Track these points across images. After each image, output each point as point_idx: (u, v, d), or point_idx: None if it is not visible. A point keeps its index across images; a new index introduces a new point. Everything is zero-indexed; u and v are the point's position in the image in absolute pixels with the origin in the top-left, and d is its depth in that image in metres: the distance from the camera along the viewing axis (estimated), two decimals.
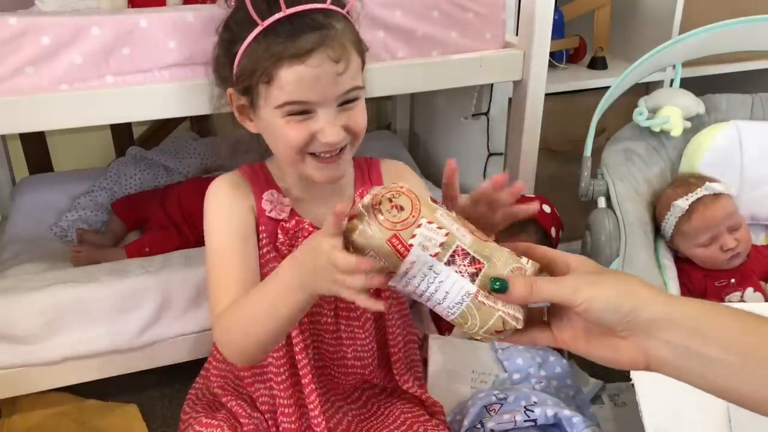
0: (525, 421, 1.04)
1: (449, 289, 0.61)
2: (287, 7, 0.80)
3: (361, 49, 0.87)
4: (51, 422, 1.32)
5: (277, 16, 0.80)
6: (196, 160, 1.78)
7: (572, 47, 1.80)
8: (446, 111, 1.80)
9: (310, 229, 0.92)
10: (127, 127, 2.09)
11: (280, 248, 0.92)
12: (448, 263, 0.61)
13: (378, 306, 0.66)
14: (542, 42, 1.35)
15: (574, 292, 0.57)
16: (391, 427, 0.99)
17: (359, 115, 0.87)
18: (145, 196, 1.62)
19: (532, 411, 1.04)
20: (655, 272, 1.22)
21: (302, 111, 0.83)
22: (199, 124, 2.19)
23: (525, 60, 1.36)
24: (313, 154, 0.86)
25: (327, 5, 0.83)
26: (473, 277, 0.61)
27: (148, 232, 1.54)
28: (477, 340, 0.63)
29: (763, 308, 1.20)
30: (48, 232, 1.55)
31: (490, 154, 1.69)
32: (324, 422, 0.93)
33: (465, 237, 0.63)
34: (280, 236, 0.92)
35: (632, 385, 0.95)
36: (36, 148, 1.92)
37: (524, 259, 0.65)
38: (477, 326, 0.62)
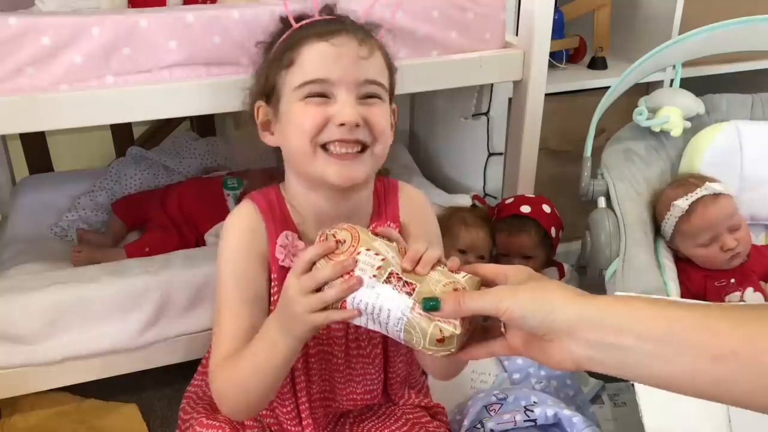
0: (525, 420, 1.04)
1: (390, 307, 0.67)
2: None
3: (390, 62, 0.87)
4: (51, 422, 1.32)
5: (310, 20, 0.84)
6: (196, 160, 1.78)
7: (572, 47, 1.80)
8: (446, 111, 1.80)
9: None
10: (127, 127, 2.09)
11: None
12: (386, 283, 0.68)
13: (348, 314, 0.69)
14: (542, 42, 1.35)
15: (497, 302, 0.61)
16: (393, 428, 0.98)
17: (379, 113, 0.83)
18: (145, 196, 1.62)
19: (532, 411, 1.04)
20: (655, 272, 1.22)
21: (321, 93, 0.81)
22: (199, 124, 2.19)
23: (525, 60, 1.36)
24: (325, 149, 0.82)
25: (360, 22, 0.87)
26: (409, 295, 0.67)
27: (148, 232, 1.54)
28: (430, 355, 0.66)
29: None
30: (48, 232, 1.55)
31: (490, 154, 1.69)
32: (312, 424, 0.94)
33: (399, 263, 0.70)
34: None
35: (632, 385, 0.95)
36: (36, 148, 1.92)
37: (460, 275, 0.69)
38: (421, 339, 0.66)
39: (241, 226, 0.89)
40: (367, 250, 0.70)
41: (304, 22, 0.86)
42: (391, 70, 0.88)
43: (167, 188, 1.63)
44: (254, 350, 0.80)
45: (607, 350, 0.57)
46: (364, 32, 0.85)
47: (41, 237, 1.53)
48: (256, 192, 0.92)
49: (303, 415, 0.94)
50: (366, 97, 0.83)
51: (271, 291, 0.88)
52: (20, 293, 1.20)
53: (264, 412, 0.98)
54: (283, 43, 0.86)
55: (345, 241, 0.70)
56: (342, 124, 0.79)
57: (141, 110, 1.10)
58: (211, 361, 0.86)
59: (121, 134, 2.09)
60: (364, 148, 0.83)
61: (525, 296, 0.61)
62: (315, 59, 0.80)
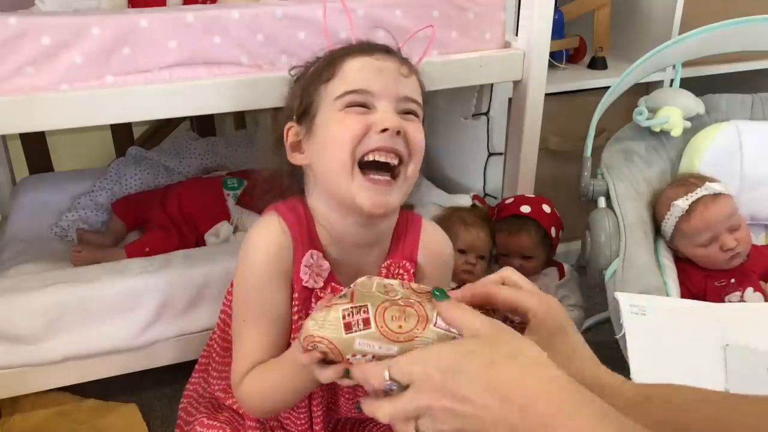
0: None
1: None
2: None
3: (424, 90, 0.88)
4: (51, 422, 1.32)
5: (347, 43, 0.88)
6: (196, 160, 1.78)
7: (572, 47, 1.80)
8: (446, 111, 1.80)
9: None
10: (127, 127, 2.09)
11: None
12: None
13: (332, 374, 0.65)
14: (542, 42, 1.35)
15: None
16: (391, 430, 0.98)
17: (416, 129, 0.83)
18: (145, 196, 1.62)
19: None
20: (655, 272, 1.22)
21: (362, 104, 0.80)
22: (199, 124, 2.19)
23: (525, 60, 1.36)
24: (363, 172, 0.80)
25: (398, 51, 0.88)
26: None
27: (148, 232, 1.54)
28: None
29: (763, 308, 1.20)
30: (48, 232, 1.55)
31: (490, 154, 1.69)
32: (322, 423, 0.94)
33: (379, 346, 0.63)
34: (313, 304, 0.88)
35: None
36: (36, 148, 1.92)
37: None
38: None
39: (268, 242, 0.86)
40: (353, 356, 0.63)
41: (343, 45, 0.89)
42: (425, 97, 0.87)
43: (167, 188, 1.63)
44: (281, 366, 0.82)
45: None
46: (403, 57, 0.88)
47: (41, 237, 1.53)
48: (282, 204, 0.89)
49: (315, 413, 0.94)
50: (404, 113, 0.83)
51: (293, 310, 0.87)
52: (20, 293, 1.20)
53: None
54: (322, 61, 0.87)
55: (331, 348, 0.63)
56: (384, 130, 0.78)
57: (141, 110, 1.10)
58: (234, 372, 0.87)
59: (121, 134, 2.08)
60: (398, 166, 0.81)
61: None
62: (357, 71, 0.81)
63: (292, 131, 0.87)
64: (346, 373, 0.63)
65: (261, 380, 0.84)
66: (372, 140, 0.79)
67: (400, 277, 0.90)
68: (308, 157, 0.86)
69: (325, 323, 0.63)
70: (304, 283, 0.86)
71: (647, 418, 0.55)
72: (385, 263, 0.91)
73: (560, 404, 0.50)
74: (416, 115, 0.84)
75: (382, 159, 0.79)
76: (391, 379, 0.57)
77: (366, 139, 0.79)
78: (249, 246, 0.87)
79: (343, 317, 0.63)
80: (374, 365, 0.60)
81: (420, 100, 0.85)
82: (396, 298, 0.64)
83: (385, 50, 0.86)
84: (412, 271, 0.91)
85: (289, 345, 0.87)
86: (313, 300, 0.88)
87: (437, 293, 0.62)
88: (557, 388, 0.51)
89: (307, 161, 0.86)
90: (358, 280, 0.67)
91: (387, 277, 0.85)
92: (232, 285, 0.96)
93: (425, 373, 0.55)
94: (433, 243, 0.94)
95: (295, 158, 0.88)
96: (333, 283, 0.88)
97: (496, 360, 0.53)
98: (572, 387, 0.51)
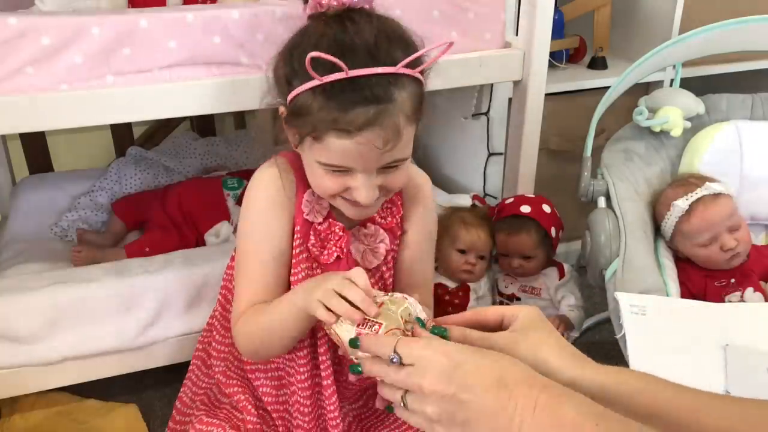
0: None
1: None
2: (352, 67, 0.75)
3: (419, 116, 0.84)
4: (51, 422, 1.32)
5: (337, 76, 0.76)
6: (196, 160, 1.78)
7: (572, 47, 1.80)
8: (446, 111, 1.80)
9: (341, 233, 0.92)
10: (127, 127, 2.09)
11: (311, 249, 0.92)
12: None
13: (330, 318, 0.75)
14: (542, 42, 1.35)
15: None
16: (392, 427, 0.99)
17: (398, 179, 0.86)
18: (145, 196, 1.62)
19: None
20: (655, 272, 1.22)
21: (342, 170, 0.83)
22: (199, 124, 2.19)
23: (525, 60, 1.36)
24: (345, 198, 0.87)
25: (396, 69, 0.78)
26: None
27: (148, 232, 1.54)
28: None
29: (763, 308, 1.20)
30: (48, 232, 1.55)
31: (490, 154, 1.69)
32: (341, 424, 0.94)
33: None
34: (312, 238, 0.92)
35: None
36: (36, 148, 1.92)
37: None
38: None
39: (271, 181, 0.92)
40: (356, 357, 0.72)
41: (328, 79, 0.77)
42: (419, 121, 0.86)
43: (167, 188, 1.63)
44: (279, 308, 0.85)
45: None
46: (393, 115, 0.78)
47: (41, 237, 1.53)
48: (287, 152, 0.94)
49: (327, 393, 0.95)
50: (387, 168, 0.83)
51: (294, 243, 0.92)
52: (20, 293, 1.20)
53: (268, 398, 0.98)
54: (310, 98, 0.79)
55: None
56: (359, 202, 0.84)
57: (141, 110, 1.10)
58: (234, 312, 0.92)
59: (121, 134, 2.08)
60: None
61: (526, 353, 0.67)
62: (338, 152, 0.80)
63: (284, 114, 0.87)
64: (354, 343, 0.70)
65: (256, 320, 0.88)
66: (352, 195, 0.84)
67: (389, 210, 0.97)
68: (299, 151, 0.89)
69: (343, 323, 0.74)
70: (305, 216, 0.91)
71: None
72: (386, 205, 0.97)
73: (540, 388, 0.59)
74: (400, 165, 0.85)
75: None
76: (395, 352, 0.65)
77: (345, 193, 0.85)
78: (253, 183, 0.93)
79: (358, 324, 0.73)
80: (385, 338, 0.69)
81: (407, 150, 0.84)
82: (408, 329, 0.72)
83: (373, 121, 0.77)
84: (399, 203, 0.98)
85: (289, 287, 0.91)
86: (311, 234, 0.92)
87: (435, 330, 0.71)
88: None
89: (298, 152, 0.89)
90: (396, 295, 0.76)
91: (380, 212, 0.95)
92: (232, 259, 1.01)
93: (435, 359, 0.62)
94: (416, 189, 0.99)
95: (288, 135, 0.89)
96: (331, 219, 0.93)
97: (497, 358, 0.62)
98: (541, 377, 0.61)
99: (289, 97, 0.82)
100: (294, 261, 0.92)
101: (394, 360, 0.64)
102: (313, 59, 0.74)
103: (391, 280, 0.99)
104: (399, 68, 0.78)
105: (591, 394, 0.62)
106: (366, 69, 0.76)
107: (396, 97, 0.78)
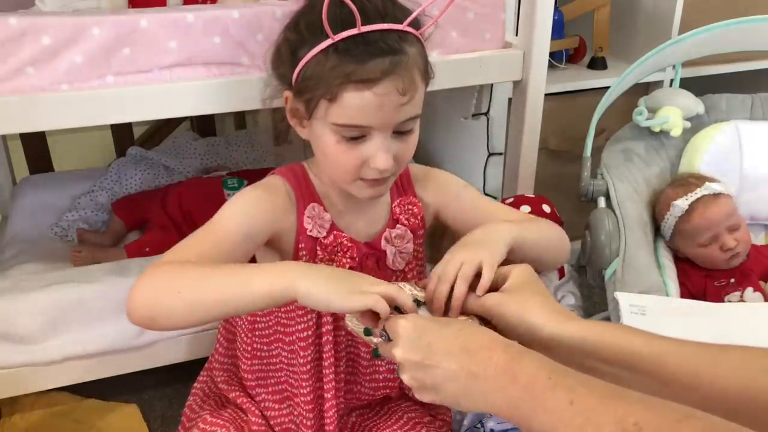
0: None
1: None
2: (362, 24, 0.76)
3: (428, 76, 0.86)
4: (51, 422, 1.32)
5: (350, 32, 0.77)
6: (196, 160, 1.78)
7: (572, 47, 1.80)
8: (446, 111, 1.80)
9: (349, 244, 0.92)
10: (127, 127, 2.09)
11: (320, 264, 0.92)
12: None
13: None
14: (542, 42, 1.35)
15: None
16: (394, 427, 0.98)
17: (410, 146, 0.86)
18: (145, 196, 1.62)
19: None
20: (654, 272, 1.22)
21: (358, 135, 0.81)
22: (199, 124, 2.19)
23: (525, 60, 1.36)
24: (361, 178, 0.85)
25: (403, 27, 0.80)
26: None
27: (148, 232, 1.54)
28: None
29: (763, 308, 1.20)
30: (48, 232, 1.55)
31: (490, 154, 1.69)
32: None
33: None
34: (319, 252, 0.91)
35: None
36: (36, 148, 1.92)
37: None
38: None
39: (267, 188, 0.91)
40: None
41: (342, 36, 0.77)
42: (428, 81, 0.87)
43: (167, 188, 1.63)
44: (247, 267, 0.77)
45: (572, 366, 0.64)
46: (408, 66, 0.80)
47: (41, 237, 1.53)
48: (282, 168, 0.94)
49: (327, 405, 0.95)
50: (401, 132, 0.83)
51: (302, 259, 0.91)
52: (20, 293, 1.20)
53: (267, 404, 0.98)
54: (322, 59, 0.79)
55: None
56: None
57: (141, 110, 1.10)
58: (170, 252, 0.80)
59: (121, 134, 2.08)
60: None
61: (513, 312, 0.73)
62: (356, 107, 0.79)
63: (290, 100, 0.87)
64: (368, 332, 0.74)
65: (198, 267, 0.76)
66: (368, 171, 0.84)
67: (411, 211, 0.97)
68: (309, 137, 0.88)
69: (354, 317, 0.77)
70: (308, 232, 0.90)
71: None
72: (397, 201, 0.97)
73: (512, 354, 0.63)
74: (413, 126, 0.85)
75: (378, 176, 0.85)
76: (384, 330, 0.71)
77: (362, 168, 0.84)
78: (250, 187, 0.91)
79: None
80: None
81: (420, 106, 0.84)
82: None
83: (389, 71, 0.78)
84: (416, 200, 0.98)
85: None
86: (318, 249, 0.91)
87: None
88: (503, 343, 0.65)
89: (307, 139, 0.88)
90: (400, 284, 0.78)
91: (399, 212, 0.96)
92: None
93: (405, 331, 0.68)
94: (423, 174, 1.01)
95: (298, 129, 0.89)
96: (336, 232, 0.92)
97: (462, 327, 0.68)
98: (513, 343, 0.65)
99: (298, 67, 0.82)
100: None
101: (383, 337, 0.72)
102: (320, 24, 0.76)
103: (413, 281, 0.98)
104: (405, 26, 0.80)
105: (572, 347, 0.68)
106: (377, 24, 0.78)
107: (408, 50, 0.80)
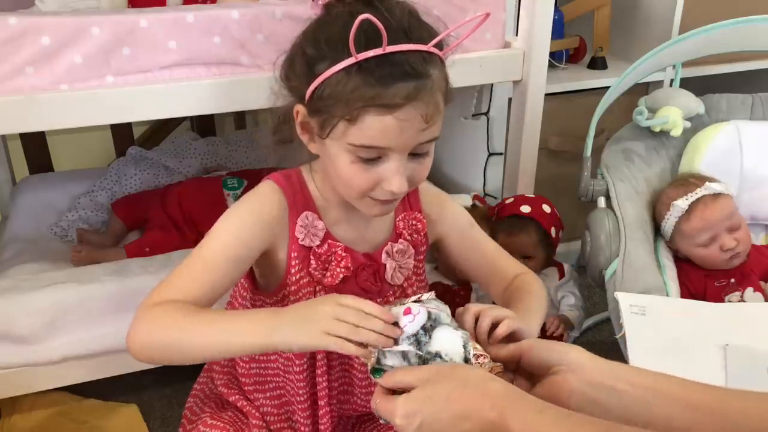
0: None
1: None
2: (388, 44, 0.73)
3: (449, 97, 0.84)
4: (51, 422, 1.32)
5: (375, 52, 0.73)
6: (196, 160, 1.78)
7: (572, 47, 1.80)
8: (446, 111, 1.80)
9: (343, 254, 0.89)
10: (127, 127, 2.09)
11: (313, 273, 0.89)
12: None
13: (361, 352, 0.71)
14: (542, 42, 1.35)
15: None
16: (391, 431, 0.98)
17: (425, 168, 0.84)
18: (145, 196, 1.62)
19: None
20: (654, 272, 1.22)
21: (375, 157, 0.79)
22: (199, 124, 2.19)
23: (525, 60, 1.36)
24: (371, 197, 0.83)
25: (428, 47, 0.77)
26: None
27: (148, 232, 1.54)
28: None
29: (763, 308, 1.20)
30: (48, 232, 1.55)
31: (490, 154, 1.69)
32: None
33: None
34: (312, 262, 0.89)
35: None
36: (36, 148, 1.92)
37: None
38: None
39: (260, 198, 0.89)
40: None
41: (365, 56, 0.74)
42: (450, 98, 0.85)
43: (167, 188, 1.63)
44: (231, 316, 0.81)
45: (602, 390, 0.67)
46: (431, 90, 0.78)
47: (41, 237, 1.53)
48: (277, 173, 0.91)
49: (321, 412, 0.94)
50: (417, 155, 0.82)
51: (291, 271, 0.89)
52: (20, 293, 1.20)
53: (266, 408, 0.98)
54: (343, 78, 0.76)
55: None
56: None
57: (141, 110, 1.10)
58: (158, 290, 0.81)
59: (121, 134, 2.08)
60: None
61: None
62: (377, 131, 0.76)
63: (300, 113, 0.84)
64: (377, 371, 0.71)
65: (182, 319, 0.77)
66: (379, 192, 0.81)
67: (414, 227, 0.95)
68: (320, 153, 0.85)
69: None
70: (300, 242, 0.88)
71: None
72: (401, 215, 0.95)
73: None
74: (430, 149, 0.84)
75: (390, 198, 0.83)
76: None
77: (375, 189, 0.81)
78: (247, 195, 0.89)
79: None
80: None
81: (439, 128, 0.83)
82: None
83: (412, 97, 0.75)
84: (421, 217, 0.96)
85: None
86: (311, 258, 0.89)
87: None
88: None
89: (317, 153, 0.86)
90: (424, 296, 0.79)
91: (403, 227, 0.94)
92: None
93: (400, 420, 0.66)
94: (433, 196, 0.99)
95: (305, 139, 0.86)
96: (330, 241, 0.89)
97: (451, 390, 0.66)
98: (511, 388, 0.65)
99: (315, 83, 0.78)
100: (294, 288, 0.89)
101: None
102: (343, 40, 0.72)
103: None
104: (430, 47, 0.78)
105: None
106: (402, 45, 0.75)
107: (432, 73, 0.78)
